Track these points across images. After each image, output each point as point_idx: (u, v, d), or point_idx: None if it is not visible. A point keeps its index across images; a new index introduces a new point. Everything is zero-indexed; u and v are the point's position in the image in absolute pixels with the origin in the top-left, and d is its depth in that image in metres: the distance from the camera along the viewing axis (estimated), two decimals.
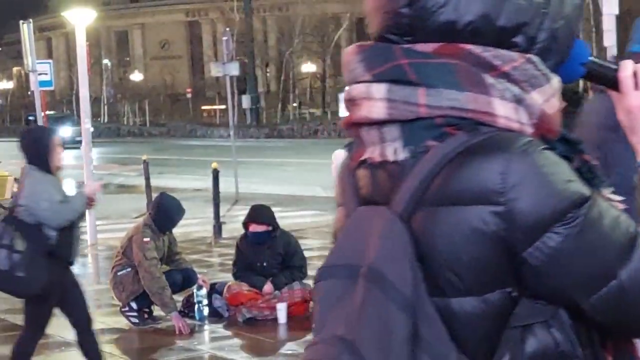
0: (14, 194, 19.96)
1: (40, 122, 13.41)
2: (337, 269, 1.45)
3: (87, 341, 6.23)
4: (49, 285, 5.79)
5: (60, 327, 8.55)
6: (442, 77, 1.43)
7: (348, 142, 1.57)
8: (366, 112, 1.47)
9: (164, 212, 8.48)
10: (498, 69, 1.44)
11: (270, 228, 8.75)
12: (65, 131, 47.28)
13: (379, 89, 1.46)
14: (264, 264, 8.72)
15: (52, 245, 5.78)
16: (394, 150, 1.45)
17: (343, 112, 1.55)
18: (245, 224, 8.89)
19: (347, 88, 1.53)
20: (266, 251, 8.73)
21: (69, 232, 5.87)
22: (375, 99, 1.46)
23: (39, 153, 5.85)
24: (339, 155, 7.17)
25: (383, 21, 1.50)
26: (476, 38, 1.45)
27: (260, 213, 8.90)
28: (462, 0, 1.45)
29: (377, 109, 1.46)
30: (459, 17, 1.45)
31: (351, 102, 1.51)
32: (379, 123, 1.47)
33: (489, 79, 1.43)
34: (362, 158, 1.50)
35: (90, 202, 6.06)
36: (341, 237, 1.49)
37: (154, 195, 10.59)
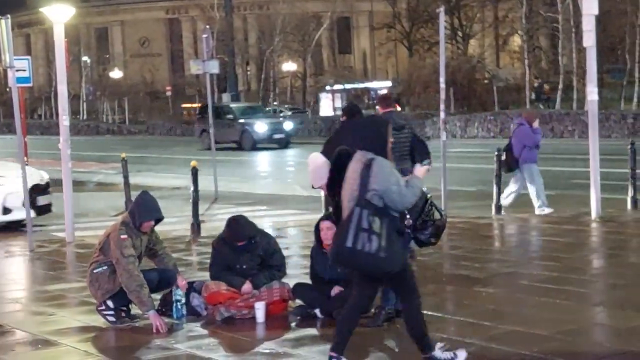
0: None
1: (18, 120, 13.27)
2: None
3: (410, 314, 6.56)
4: (405, 263, 6.35)
5: (35, 324, 8.50)
6: None
7: None
8: None
9: (137, 207, 8.40)
10: None
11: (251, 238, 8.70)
12: (259, 127, 39.17)
13: None
14: (244, 266, 8.67)
15: (399, 226, 6.33)
16: None
17: (324, 111, 1.51)
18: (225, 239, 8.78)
19: None
20: (246, 254, 8.69)
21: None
22: None
23: (381, 142, 6.37)
24: (315, 158, 7.16)
25: None
26: None
27: (239, 233, 8.64)
28: None
29: None
30: None
31: None
32: None
33: None
34: None
35: None
36: None
37: (133, 193, 10.56)
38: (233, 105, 44.29)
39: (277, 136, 39.40)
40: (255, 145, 38.47)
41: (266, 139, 38.72)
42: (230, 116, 40.45)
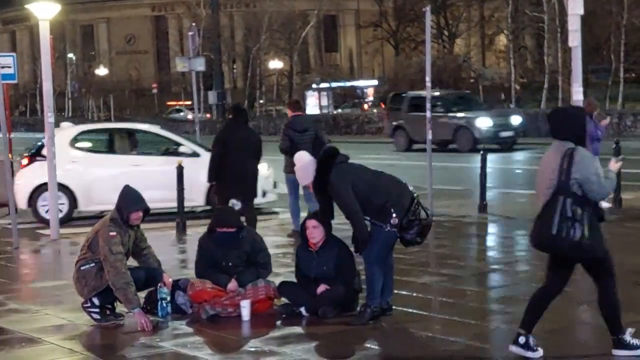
0: None
1: (2, 117, 13.22)
2: None
3: (604, 294, 6.75)
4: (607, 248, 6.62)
5: (19, 321, 8.48)
6: None
7: None
8: None
9: (122, 200, 8.38)
10: None
11: (238, 229, 8.72)
12: (481, 122, 30.60)
13: None
14: (230, 263, 8.67)
15: (602, 212, 6.60)
16: None
17: (310, 109, 1.52)
18: (212, 228, 8.81)
19: None
20: (232, 251, 8.68)
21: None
22: None
23: (583, 133, 6.59)
24: (301, 156, 7.18)
25: None
26: None
27: (227, 217, 8.81)
28: None
29: None
30: None
31: None
32: None
33: None
34: None
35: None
36: None
37: None
38: (440, 93, 33.80)
39: (503, 134, 30.95)
40: (476, 146, 28.72)
41: (490, 137, 30.27)
42: (440, 109, 30.35)
